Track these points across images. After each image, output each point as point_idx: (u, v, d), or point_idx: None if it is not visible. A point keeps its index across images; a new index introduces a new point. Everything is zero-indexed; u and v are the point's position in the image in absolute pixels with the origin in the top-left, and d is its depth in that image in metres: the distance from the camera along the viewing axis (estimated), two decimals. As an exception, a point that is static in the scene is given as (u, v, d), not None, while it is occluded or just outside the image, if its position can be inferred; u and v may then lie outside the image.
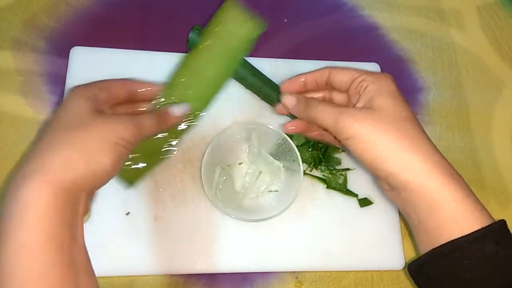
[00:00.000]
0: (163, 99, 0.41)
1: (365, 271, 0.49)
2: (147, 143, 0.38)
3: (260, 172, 0.48)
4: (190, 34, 0.51)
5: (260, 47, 0.57)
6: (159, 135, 0.40)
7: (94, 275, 0.32)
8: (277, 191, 0.49)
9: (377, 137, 0.35)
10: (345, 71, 0.41)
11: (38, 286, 0.27)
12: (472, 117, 0.59)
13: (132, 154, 0.37)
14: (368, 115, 0.36)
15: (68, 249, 0.29)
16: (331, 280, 0.48)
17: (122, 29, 0.56)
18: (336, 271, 0.49)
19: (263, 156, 0.48)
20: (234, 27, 0.39)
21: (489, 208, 0.53)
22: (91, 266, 0.32)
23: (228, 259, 0.46)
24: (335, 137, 0.40)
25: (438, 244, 0.34)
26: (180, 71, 0.40)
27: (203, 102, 0.41)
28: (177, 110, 0.40)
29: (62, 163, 0.30)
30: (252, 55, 0.54)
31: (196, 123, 0.42)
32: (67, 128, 0.32)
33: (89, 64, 0.51)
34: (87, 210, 0.33)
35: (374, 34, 0.61)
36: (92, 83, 0.38)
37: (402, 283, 0.49)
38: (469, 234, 0.33)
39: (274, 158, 0.49)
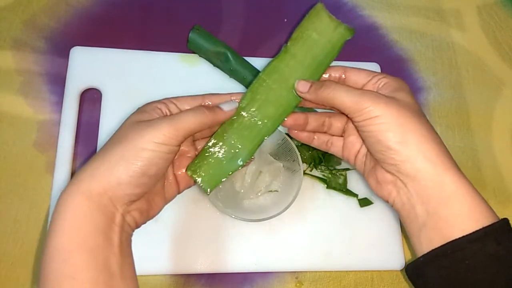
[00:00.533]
0: (243, 105, 0.39)
1: (365, 271, 0.49)
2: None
3: (260, 172, 0.48)
4: (190, 34, 0.51)
5: (260, 47, 0.57)
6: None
7: (134, 281, 0.33)
8: (277, 191, 0.49)
9: (402, 120, 0.36)
10: (362, 70, 0.40)
11: (70, 285, 0.29)
12: (472, 117, 0.59)
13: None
14: (393, 100, 0.37)
15: (101, 254, 0.31)
16: (331, 280, 0.48)
17: (122, 29, 0.56)
18: (336, 271, 0.49)
19: (263, 156, 0.48)
20: (324, 33, 0.38)
21: (489, 208, 0.54)
22: (131, 271, 0.33)
23: (228, 259, 0.46)
24: (349, 118, 0.39)
25: (451, 238, 0.33)
26: (263, 76, 0.39)
27: (286, 109, 0.39)
28: (227, 106, 0.38)
29: (88, 174, 0.32)
30: (252, 55, 0.55)
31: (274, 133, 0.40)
32: (106, 143, 0.35)
33: (89, 64, 0.51)
34: (141, 218, 0.35)
35: (374, 34, 0.61)
36: (166, 99, 0.38)
37: (402, 283, 0.49)
38: (470, 234, 0.33)
39: (274, 158, 0.48)
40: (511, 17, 0.65)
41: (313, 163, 0.51)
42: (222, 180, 0.38)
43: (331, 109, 0.41)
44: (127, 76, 0.52)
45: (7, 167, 0.48)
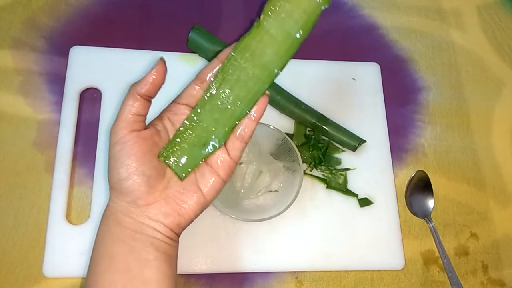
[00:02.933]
0: (215, 86, 0.37)
1: (365, 271, 0.49)
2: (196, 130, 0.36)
3: (260, 172, 0.48)
4: (190, 34, 0.51)
5: (260, 47, 0.57)
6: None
7: (164, 284, 0.33)
8: (277, 191, 0.49)
9: None
10: None
11: None
12: (472, 117, 0.59)
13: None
14: None
15: (122, 259, 0.33)
16: (331, 280, 0.48)
17: (122, 29, 0.56)
18: (336, 271, 0.49)
19: (263, 156, 0.48)
20: (298, 2, 0.35)
21: (489, 208, 0.54)
22: (154, 274, 0.33)
23: (228, 259, 0.46)
24: None
25: None
26: (235, 54, 0.36)
27: (259, 90, 0.36)
28: (154, 68, 0.37)
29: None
30: (252, 55, 0.54)
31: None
32: None
33: (89, 64, 0.51)
34: (169, 219, 0.35)
35: (374, 34, 0.61)
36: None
37: (402, 283, 0.49)
38: None
39: (274, 158, 0.48)
40: (511, 17, 0.65)
41: (313, 163, 0.51)
42: (196, 165, 0.36)
43: None
44: (127, 76, 0.52)
45: (7, 167, 0.48)
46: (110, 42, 0.53)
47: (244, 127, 0.37)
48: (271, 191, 0.49)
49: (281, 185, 0.49)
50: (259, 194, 0.48)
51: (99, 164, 0.48)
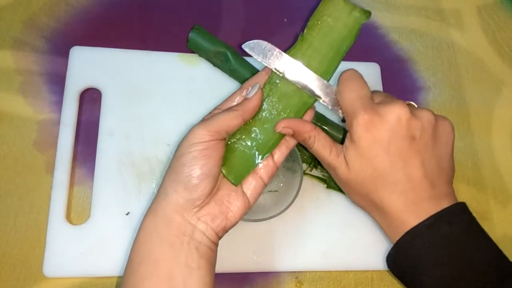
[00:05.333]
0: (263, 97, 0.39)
1: (365, 271, 0.49)
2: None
3: (260, 172, 0.48)
4: (190, 34, 0.51)
5: (260, 47, 0.57)
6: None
7: None
8: (277, 191, 0.49)
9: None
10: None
11: None
12: (472, 117, 0.59)
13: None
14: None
15: (165, 264, 0.33)
16: (331, 280, 0.48)
17: (122, 29, 0.56)
18: (336, 271, 0.49)
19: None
20: (339, 17, 0.37)
21: (489, 208, 0.54)
22: (197, 282, 0.34)
23: (228, 259, 0.46)
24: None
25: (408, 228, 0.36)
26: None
27: (307, 101, 0.39)
28: (251, 92, 0.38)
29: (156, 196, 0.36)
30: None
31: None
32: None
33: (89, 64, 0.51)
34: (215, 223, 0.36)
35: (374, 34, 0.61)
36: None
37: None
38: (425, 220, 0.35)
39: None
40: (511, 17, 0.65)
41: (313, 163, 0.51)
42: (249, 172, 0.38)
43: None
44: (127, 76, 0.52)
45: (7, 167, 0.48)
46: (110, 42, 0.53)
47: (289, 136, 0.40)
48: (271, 191, 0.49)
49: (281, 185, 0.49)
50: (259, 194, 0.48)
51: (99, 164, 0.48)
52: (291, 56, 0.39)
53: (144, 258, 0.34)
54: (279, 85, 0.39)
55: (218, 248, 0.46)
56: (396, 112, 0.36)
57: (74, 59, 0.51)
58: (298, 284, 0.48)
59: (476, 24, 0.64)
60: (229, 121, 0.36)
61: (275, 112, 0.39)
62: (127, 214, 0.46)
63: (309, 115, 0.40)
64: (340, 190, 0.51)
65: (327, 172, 0.51)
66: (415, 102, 0.58)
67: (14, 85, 0.51)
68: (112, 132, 0.49)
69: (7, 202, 0.46)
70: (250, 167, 0.38)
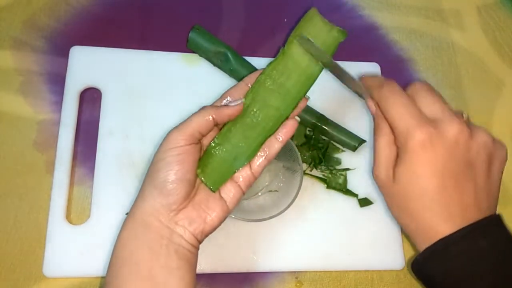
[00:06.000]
0: (245, 105, 0.39)
1: (365, 271, 0.49)
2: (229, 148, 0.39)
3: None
4: (190, 34, 0.51)
5: (260, 47, 0.57)
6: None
7: None
8: (277, 191, 0.49)
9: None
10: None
11: None
12: (472, 117, 0.58)
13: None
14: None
15: (146, 266, 0.34)
16: (331, 280, 0.48)
17: (122, 29, 0.56)
18: (336, 271, 0.49)
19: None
20: (318, 35, 0.39)
21: (489, 208, 0.54)
22: (181, 283, 0.34)
23: (228, 259, 0.46)
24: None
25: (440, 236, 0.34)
26: (263, 77, 0.40)
27: (285, 110, 0.40)
28: (233, 103, 0.39)
29: (136, 199, 0.37)
30: (252, 55, 0.55)
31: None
32: None
33: (89, 64, 0.51)
34: (193, 227, 0.36)
35: (374, 34, 0.61)
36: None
37: (402, 283, 0.49)
38: (458, 231, 0.34)
39: (274, 158, 0.48)
40: (511, 17, 0.65)
41: (313, 163, 0.51)
42: (226, 179, 0.39)
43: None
44: (127, 76, 0.52)
45: (7, 167, 0.48)
46: (110, 42, 0.53)
47: (270, 146, 0.40)
48: (271, 191, 0.49)
49: (281, 185, 0.49)
50: (259, 194, 0.48)
51: (99, 164, 0.48)
52: (272, 67, 0.39)
53: (125, 261, 0.34)
54: (260, 95, 0.39)
55: (218, 248, 0.46)
56: (454, 132, 0.35)
57: (74, 59, 0.51)
58: (298, 284, 0.48)
59: (476, 24, 0.64)
60: (201, 121, 0.36)
61: (255, 121, 0.39)
62: (127, 214, 0.46)
63: (291, 126, 0.40)
64: (340, 190, 0.51)
65: (327, 172, 0.51)
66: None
67: (14, 85, 0.51)
68: (112, 132, 0.49)
69: (7, 202, 0.46)
70: (228, 174, 0.39)
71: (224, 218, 0.38)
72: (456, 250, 0.34)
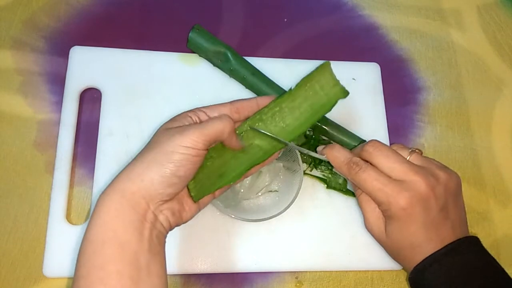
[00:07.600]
0: (242, 130, 0.42)
1: (365, 271, 0.49)
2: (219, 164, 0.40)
3: (260, 172, 0.48)
4: (190, 34, 0.51)
5: (260, 47, 0.57)
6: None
7: (160, 278, 0.34)
8: (277, 191, 0.49)
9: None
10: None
11: (97, 276, 0.32)
12: (472, 117, 0.59)
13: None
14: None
15: (130, 248, 0.33)
16: (331, 280, 0.48)
17: (122, 29, 0.56)
18: (336, 271, 0.49)
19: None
20: (325, 86, 0.42)
21: (489, 208, 0.54)
22: (158, 269, 0.34)
23: (228, 259, 0.46)
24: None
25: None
26: (266, 109, 0.42)
27: (277, 145, 0.42)
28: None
29: (124, 175, 0.35)
30: (252, 55, 0.55)
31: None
32: (142, 149, 0.37)
33: (89, 64, 0.51)
34: (173, 219, 0.37)
35: (374, 34, 0.61)
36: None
37: (402, 283, 0.49)
38: (443, 248, 0.40)
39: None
40: (511, 17, 0.65)
41: (313, 163, 0.51)
42: (210, 192, 0.40)
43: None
44: (127, 76, 0.52)
45: (7, 167, 0.48)
46: (110, 42, 0.53)
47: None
48: (271, 191, 0.49)
49: (281, 185, 0.49)
50: (259, 194, 0.48)
51: (99, 164, 0.48)
52: (277, 103, 0.42)
53: (109, 239, 0.33)
54: (256, 124, 0.41)
55: (218, 248, 0.47)
56: (425, 189, 0.40)
57: (74, 59, 0.51)
58: (298, 284, 0.48)
59: (476, 24, 0.64)
60: (222, 130, 0.37)
61: (248, 146, 0.41)
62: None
63: (273, 157, 0.43)
64: (340, 190, 0.51)
65: (327, 172, 0.51)
66: (415, 102, 0.58)
67: (14, 85, 0.51)
68: (112, 132, 0.49)
69: (7, 202, 0.47)
70: (211, 189, 0.40)
71: (194, 216, 0.40)
72: (439, 265, 0.40)
